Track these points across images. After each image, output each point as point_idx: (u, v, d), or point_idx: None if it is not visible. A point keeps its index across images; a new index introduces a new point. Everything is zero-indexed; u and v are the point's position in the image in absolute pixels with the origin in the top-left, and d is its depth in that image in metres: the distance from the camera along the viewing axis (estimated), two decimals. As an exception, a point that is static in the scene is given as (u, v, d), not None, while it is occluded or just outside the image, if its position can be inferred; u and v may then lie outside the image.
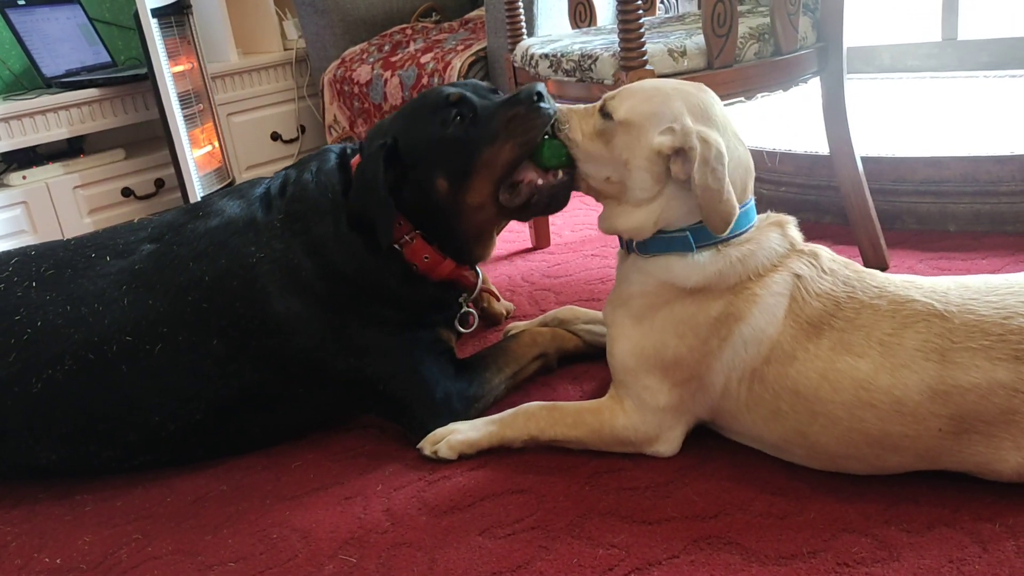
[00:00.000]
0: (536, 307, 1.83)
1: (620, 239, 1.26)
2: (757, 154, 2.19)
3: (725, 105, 1.22)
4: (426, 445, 1.30)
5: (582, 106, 1.27)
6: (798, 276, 1.13)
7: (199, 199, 1.43)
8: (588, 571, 1.02)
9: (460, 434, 1.29)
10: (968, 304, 1.04)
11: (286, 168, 1.47)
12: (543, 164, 1.27)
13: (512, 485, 1.21)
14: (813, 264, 1.14)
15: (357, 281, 1.34)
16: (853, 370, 1.05)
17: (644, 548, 1.05)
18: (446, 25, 2.98)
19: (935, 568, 0.95)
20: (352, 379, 1.35)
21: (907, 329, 1.05)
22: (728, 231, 1.11)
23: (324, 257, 1.33)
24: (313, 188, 1.38)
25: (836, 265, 1.15)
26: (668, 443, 1.21)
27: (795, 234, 1.19)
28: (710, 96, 1.18)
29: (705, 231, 1.13)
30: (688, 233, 1.15)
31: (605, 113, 1.20)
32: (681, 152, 1.11)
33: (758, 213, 1.21)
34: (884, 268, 1.76)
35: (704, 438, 1.23)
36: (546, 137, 1.26)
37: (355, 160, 1.41)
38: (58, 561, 1.18)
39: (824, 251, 1.18)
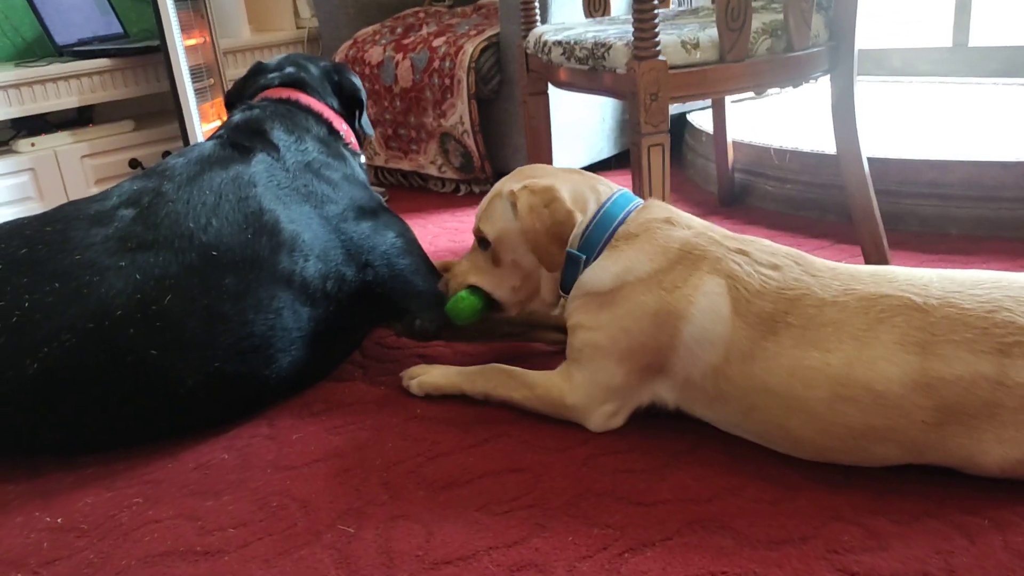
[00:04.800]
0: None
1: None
2: (764, 151, 2.21)
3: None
4: (405, 376, 1.47)
5: (455, 260, 1.47)
6: (729, 275, 1.15)
7: (152, 166, 1.52)
8: (583, 549, 1.04)
9: (430, 377, 1.43)
10: (950, 297, 1.05)
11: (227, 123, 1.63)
12: (463, 322, 1.40)
13: (510, 464, 1.23)
14: (744, 262, 1.16)
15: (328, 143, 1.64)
16: (825, 366, 1.06)
17: (638, 529, 1.07)
18: (459, 10, 2.98)
19: (923, 558, 0.97)
20: (360, 281, 1.49)
21: (883, 324, 1.05)
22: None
23: (305, 130, 1.61)
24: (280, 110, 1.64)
25: (780, 260, 1.16)
26: (601, 417, 1.27)
27: (680, 216, 1.26)
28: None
29: (587, 243, 1.28)
30: (573, 251, 1.30)
31: (481, 241, 1.37)
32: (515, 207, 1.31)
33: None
34: (885, 268, 1.78)
35: (697, 426, 1.25)
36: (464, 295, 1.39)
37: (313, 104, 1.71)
38: (59, 520, 1.20)
39: (754, 246, 1.19)
